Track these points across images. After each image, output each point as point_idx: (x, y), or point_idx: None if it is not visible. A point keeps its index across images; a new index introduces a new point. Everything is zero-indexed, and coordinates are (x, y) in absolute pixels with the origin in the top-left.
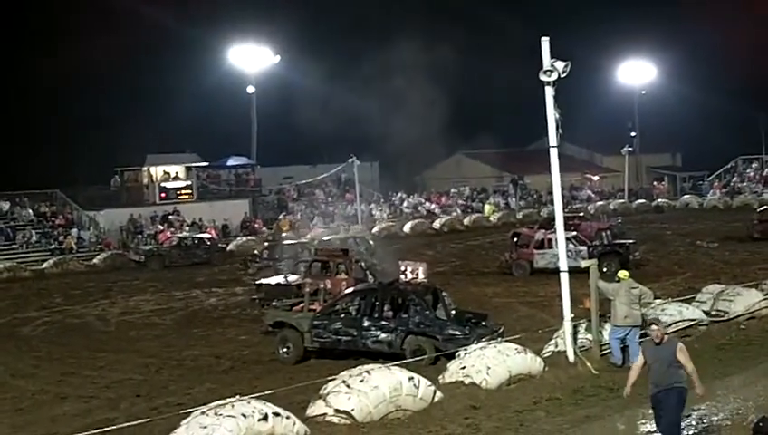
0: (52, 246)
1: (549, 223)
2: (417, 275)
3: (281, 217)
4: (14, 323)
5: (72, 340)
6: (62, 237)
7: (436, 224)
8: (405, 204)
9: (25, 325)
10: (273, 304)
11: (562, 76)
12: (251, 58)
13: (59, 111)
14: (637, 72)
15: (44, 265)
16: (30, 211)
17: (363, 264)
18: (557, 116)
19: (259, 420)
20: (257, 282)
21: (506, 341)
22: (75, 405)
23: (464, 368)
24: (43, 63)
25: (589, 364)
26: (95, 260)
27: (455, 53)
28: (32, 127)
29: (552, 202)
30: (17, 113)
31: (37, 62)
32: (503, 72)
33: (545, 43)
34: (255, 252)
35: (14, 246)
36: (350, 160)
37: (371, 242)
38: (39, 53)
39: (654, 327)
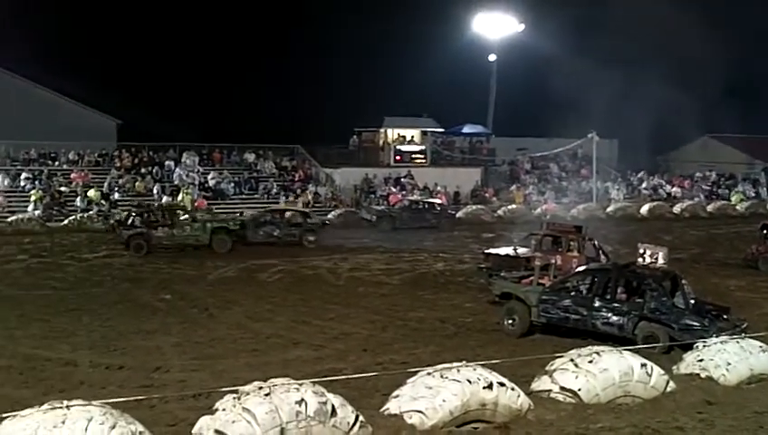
0: (291, 199)
1: None
2: (656, 259)
3: (513, 188)
4: (252, 268)
5: (304, 289)
6: (299, 191)
7: (677, 208)
8: (644, 185)
9: (262, 272)
10: (502, 274)
11: None
12: (495, 26)
13: (305, 71)
14: None
15: None
16: (272, 164)
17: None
18: None
19: (484, 387)
20: (486, 251)
21: (750, 337)
22: (306, 352)
23: (701, 360)
24: (298, 29)
25: None
26: (329, 216)
27: (710, 30)
28: (280, 85)
29: None
30: (269, 71)
31: (291, 27)
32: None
33: None
34: (119, 218)
35: (256, 196)
36: (589, 136)
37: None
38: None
39: None
